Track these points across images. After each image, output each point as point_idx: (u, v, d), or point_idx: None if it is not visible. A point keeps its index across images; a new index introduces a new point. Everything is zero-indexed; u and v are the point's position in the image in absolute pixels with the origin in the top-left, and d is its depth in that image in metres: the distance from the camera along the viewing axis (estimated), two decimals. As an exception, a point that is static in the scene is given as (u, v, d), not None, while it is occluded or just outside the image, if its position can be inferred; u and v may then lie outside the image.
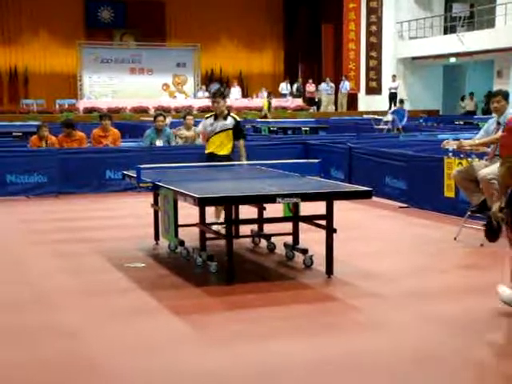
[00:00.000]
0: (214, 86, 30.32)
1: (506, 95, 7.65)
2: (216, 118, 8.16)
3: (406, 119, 20.38)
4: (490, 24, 25.68)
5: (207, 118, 8.34)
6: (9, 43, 29.11)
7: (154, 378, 4.10)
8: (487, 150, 7.76)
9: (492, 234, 5.66)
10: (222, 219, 7.70)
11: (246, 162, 8.18)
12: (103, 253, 7.20)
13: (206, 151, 8.25)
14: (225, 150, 8.17)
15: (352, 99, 29.70)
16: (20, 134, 15.73)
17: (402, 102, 22.60)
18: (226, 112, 8.19)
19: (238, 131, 8.21)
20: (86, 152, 11.86)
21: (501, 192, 5.21)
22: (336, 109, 28.89)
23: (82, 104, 26.42)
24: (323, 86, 29.22)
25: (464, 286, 6.01)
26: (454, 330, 4.90)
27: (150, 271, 6.54)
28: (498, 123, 7.55)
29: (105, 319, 5.17)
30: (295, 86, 30.30)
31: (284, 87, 29.99)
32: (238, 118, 8.42)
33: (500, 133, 7.41)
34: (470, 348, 4.55)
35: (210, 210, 6.79)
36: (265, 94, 28.10)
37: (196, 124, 12.97)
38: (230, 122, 8.17)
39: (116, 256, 7.05)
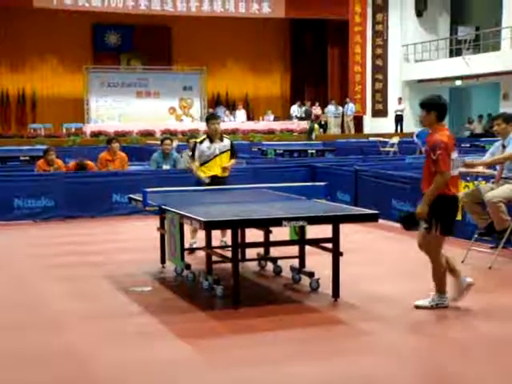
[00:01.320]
0: (220, 110, 30.52)
1: (506, 118, 7.64)
2: (211, 140, 8.23)
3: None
4: (496, 47, 25.76)
5: (201, 142, 8.31)
6: (16, 68, 29.32)
7: (160, 403, 4.08)
8: (494, 173, 7.75)
9: (409, 221, 5.78)
10: (225, 239, 7.73)
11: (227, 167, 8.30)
12: (109, 276, 7.20)
13: (206, 175, 8.26)
14: (226, 172, 8.28)
15: (358, 122, 29.76)
16: (27, 158, 15.78)
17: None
18: (220, 134, 8.34)
19: (232, 152, 8.41)
20: (92, 176, 11.88)
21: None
22: (342, 131, 28.94)
23: (89, 128, 26.53)
24: (330, 108, 29.32)
25: (472, 308, 5.97)
26: (465, 354, 4.86)
27: (156, 295, 6.52)
28: (503, 146, 7.55)
29: (110, 342, 5.15)
30: (303, 108, 30.41)
31: (296, 110, 30.11)
32: (230, 139, 8.59)
33: (507, 153, 7.41)
34: (483, 373, 4.51)
35: (215, 233, 6.80)
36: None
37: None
38: (226, 142, 8.35)
39: (122, 280, 7.04)
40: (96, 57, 30.45)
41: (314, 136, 24.85)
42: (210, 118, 8.45)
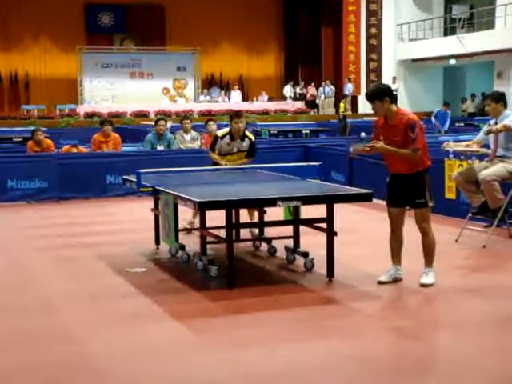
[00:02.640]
0: (215, 90, 30.41)
1: (496, 98, 7.59)
2: (232, 137, 8.07)
3: (447, 123, 19.10)
4: (490, 25, 25.68)
5: (222, 137, 8.10)
6: (9, 49, 29.13)
7: (150, 382, 4.09)
8: (488, 151, 7.75)
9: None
10: (255, 219, 7.71)
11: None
12: (104, 258, 7.20)
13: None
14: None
15: (352, 101, 29.71)
16: (20, 139, 15.73)
17: (446, 104, 20.96)
18: (243, 132, 8.10)
19: (250, 152, 8.18)
20: (86, 157, 11.86)
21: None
22: (337, 111, 28.88)
23: (83, 109, 26.43)
24: (321, 88, 29.23)
25: (467, 287, 6.00)
26: (461, 332, 4.88)
27: (151, 276, 6.53)
28: (496, 124, 7.53)
29: (105, 324, 5.16)
30: (298, 88, 30.32)
31: (288, 90, 30.01)
32: (253, 138, 8.28)
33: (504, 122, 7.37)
34: (471, 350, 4.54)
35: (210, 214, 6.80)
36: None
37: (194, 128, 12.99)
38: (246, 143, 8.12)
39: (117, 261, 7.04)
40: (89, 37, 30.29)
41: (341, 115, 23.46)
42: (234, 117, 8.10)
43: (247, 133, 8.20)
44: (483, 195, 7.49)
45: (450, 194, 9.14)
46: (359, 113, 28.62)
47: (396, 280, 6.06)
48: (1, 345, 4.76)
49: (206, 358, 4.46)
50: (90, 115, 25.32)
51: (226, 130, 8.19)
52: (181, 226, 6.99)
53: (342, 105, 25.28)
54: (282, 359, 4.42)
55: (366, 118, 23.59)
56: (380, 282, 6.02)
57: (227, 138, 8.08)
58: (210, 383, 4.06)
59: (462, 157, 8.42)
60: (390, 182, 6.08)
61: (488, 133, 7.54)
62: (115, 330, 5.04)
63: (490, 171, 7.37)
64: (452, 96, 29.72)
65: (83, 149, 12.43)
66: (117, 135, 12.42)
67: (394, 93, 27.64)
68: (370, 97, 5.92)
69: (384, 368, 4.31)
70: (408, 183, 5.91)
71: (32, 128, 14.65)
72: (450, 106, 20.82)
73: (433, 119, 19.50)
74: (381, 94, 5.83)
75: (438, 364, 4.35)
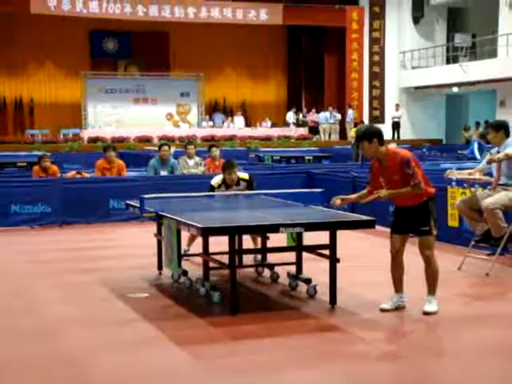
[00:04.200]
0: (219, 116, 30.54)
1: (497, 127, 7.62)
2: (227, 186, 7.94)
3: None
4: (492, 54, 25.84)
5: (218, 187, 7.94)
6: (15, 74, 29.30)
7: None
8: (490, 179, 7.76)
9: None
10: (258, 245, 7.67)
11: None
12: (106, 283, 7.19)
13: None
14: None
15: (354, 127, 29.80)
16: (24, 164, 15.78)
17: (483, 136, 19.06)
18: (236, 179, 7.97)
19: (250, 188, 8.06)
20: (89, 182, 11.88)
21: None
22: (342, 138, 28.92)
23: (87, 134, 26.54)
24: (321, 114, 29.32)
25: (470, 316, 5.98)
26: (462, 361, 4.86)
27: (154, 301, 6.52)
28: (499, 153, 7.56)
29: (105, 350, 5.15)
30: (300, 115, 30.45)
31: (291, 116, 30.15)
32: (248, 177, 8.11)
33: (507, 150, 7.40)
34: (471, 378, 4.52)
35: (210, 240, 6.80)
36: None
37: (198, 153, 13.02)
38: (242, 186, 8.00)
39: (119, 286, 7.03)
40: (94, 63, 30.47)
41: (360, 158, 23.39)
42: (226, 168, 7.93)
43: (241, 175, 8.04)
44: (486, 223, 7.49)
45: (453, 222, 9.14)
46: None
47: (399, 308, 6.05)
48: (0, 369, 4.74)
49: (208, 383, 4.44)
50: (93, 140, 25.42)
51: (220, 178, 8.00)
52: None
53: (353, 130, 25.11)
54: (285, 386, 4.40)
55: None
56: (383, 310, 6.01)
57: (223, 188, 7.95)
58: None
59: (465, 184, 8.44)
60: (396, 212, 6.12)
61: (489, 162, 7.57)
62: (116, 355, 5.03)
63: (493, 199, 7.38)
64: (455, 124, 29.82)
65: (87, 174, 12.47)
66: (121, 161, 12.40)
67: (396, 120, 27.89)
68: (359, 137, 6.03)
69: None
70: (413, 212, 5.96)
71: (37, 153, 14.71)
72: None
73: (476, 151, 18.44)
74: (370, 135, 5.90)
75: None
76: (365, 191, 6.22)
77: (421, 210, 5.92)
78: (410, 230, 6.04)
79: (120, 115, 28.78)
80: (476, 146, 19.16)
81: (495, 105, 27.10)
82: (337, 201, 6.15)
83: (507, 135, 7.61)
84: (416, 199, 5.91)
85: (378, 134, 5.94)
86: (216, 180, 8.06)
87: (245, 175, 8.14)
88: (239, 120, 29.66)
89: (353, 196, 6.40)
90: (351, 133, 25.11)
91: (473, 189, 8.11)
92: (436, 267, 5.99)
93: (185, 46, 30.64)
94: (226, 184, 7.96)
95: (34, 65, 29.62)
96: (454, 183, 8.89)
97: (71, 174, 12.46)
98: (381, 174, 6.00)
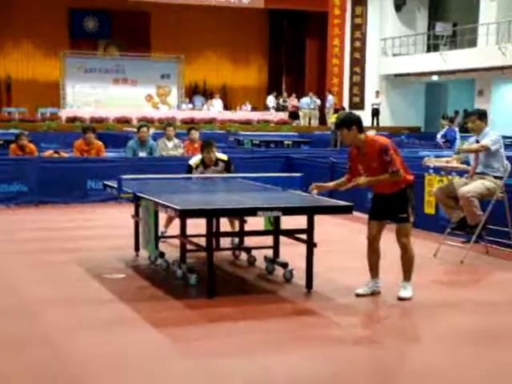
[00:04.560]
0: (199, 99, 30.41)
1: (480, 115, 7.69)
2: (205, 166, 7.94)
3: (458, 140, 18.47)
4: (472, 43, 25.96)
5: (196, 167, 7.94)
6: (-9, 51, 28.98)
7: (132, 391, 4.08)
8: (467, 168, 7.82)
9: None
10: (236, 228, 7.67)
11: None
12: (82, 263, 7.16)
13: None
14: None
15: (334, 113, 29.84)
16: (1, 142, 15.62)
17: (451, 120, 19.94)
18: (214, 159, 7.97)
19: (228, 170, 8.06)
20: (67, 162, 11.80)
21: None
22: (321, 123, 28.93)
23: (65, 113, 26.32)
24: (303, 100, 29.32)
25: (444, 302, 6.04)
26: (437, 346, 4.92)
27: (130, 282, 6.51)
28: (477, 142, 7.62)
29: (81, 330, 5.13)
30: (281, 99, 30.41)
31: (272, 100, 30.10)
32: (226, 158, 8.10)
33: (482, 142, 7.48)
34: (444, 363, 4.57)
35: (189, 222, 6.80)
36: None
37: (177, 136, 12.97)
38: (221, 166, 8.00)
39: (95, 266, 7.01)
40: (73, 42, 30.14)
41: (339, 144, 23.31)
42: (205, 147, 7.94)
43: (219, 156, 8.04)
44: (462, 211, 7.56)
45: (430, 209, 9.21)
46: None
47: (374, 293, 6.09)
48: (-24, 348, 4.72)
49: (185, 366, 4.45)
50: (72, 119, 25.22)
51: (198, 158, 8.01)
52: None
53: (334, 116, 24.94)
54: (260, 369, 4.42)
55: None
56: (358, 295, 6.05)
57: (201, 168, 7.94)
58: (186, 391, 4.06)
59: (443, 172, 8.50)
60: (374, 199, 6.15)
61: (458, 153, 7.65)
62: (92, 335, 5.02)
63: (470, 187, 7.44)
64: (434, 112, 29.97)
65: (65, 154, 12.37)
66: (100, 143, 12.28)
67: (376, 106, 27.97)
68: (338, 124, 6.03)
69: (358, 380, 4.33)
70: (392, 199, 6.00)
71: (14, 131, 14.56)
72: (454, 122, 19.87)
73: (440, 141, 18.68)
74: (349, 123, 5.91)
75: (411, 376, 4.37)
76: (343, 179, 6.24)
77: (399, 198, 5.96)
78: (388, 216, 6.08)
79: (99, 95, 28.54)
80: (445, 132, 19.34)
81: (474, 94, 27.27)
82: (314, 189, 6.15)
83: (486, 124, 7.67)
84: (394, 186, 5.95)
85: (357, 122, 5.95)
86: (194, 160, 8.05)
87: (223, 156, 8.14)
88: (218, 103, 29.56)
89: (331, 184, 6.42)
90: (331, 119, 25.11)
91: (450, 177, 8.18)
92: (412, 254, 6.04)
93: (166, 27, 30.41)
94: (204, 164, 7.94)
95: (12, 43, 29.24)
96: (431, 171, 8.95)
97: (49, 153, 12.36)
98: (359, 161, 6.03)
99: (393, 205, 5.98)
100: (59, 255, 7.57)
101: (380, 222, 6.09)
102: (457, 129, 18.71)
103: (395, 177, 5.86)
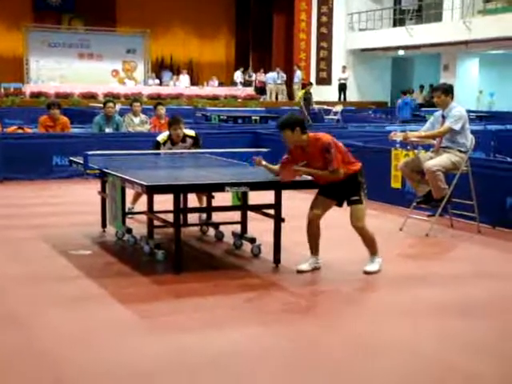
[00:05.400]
0: (167, 74, 30.15)
1: (446, 90, 7.73)
2: (173, 142, 7.88)
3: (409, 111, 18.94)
4: (438, 18, 26.08)
5: (164, 143, 7.87)
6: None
7: (95, 366, 4.07)
8: (433, 142, 7.89)
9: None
10: (204, 204, 7.64)
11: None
12: (48, 240, 7.11)
13: None
14: None
15: (302, 89, 29.85)
16: (-37, 117, 15.37)
17: (405, 93, 21.63)
18: (182, 136, 7.92)
19: (196, 145, 8.02)
20: (32, 137, 11.65)
21: None
22: (290, 99, 28.92)
23: (29, 88, 25.93)
24: (269, 75, 29.25)
25: (410, 275, 6.12)
26: (402, 319, 4.98)
27: (97, 259, 6.48)
28: (443, 116, 7.68)
29: (48, 306, 5.11)
30: (247, 75, 30.31)
31: (239, 76, 29.97)
32: (194, 134, 8.06)
33: (444, 127, 7.55)
34: (410, 336, 4.64)
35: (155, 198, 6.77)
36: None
37: (144, 111, 12.87)
38: (188, 143, 7.94)
39: (62, 243, 6.96)
40: (36, 15, 29.65)
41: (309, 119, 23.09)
42: (172, 123, 7.87)
43: (187, 132, 8.00)
44: (428, 185, 7.64)
45: (396, 184, 9.30)
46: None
47: (315, 269, 6.12)
48: None
49: (151, 342, 4.45)
50: (36, 95, 24.87)
51: (166, 134, 7.95)
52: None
53: (300, 93, 24.88)
54: (228, 344, 4.44)
55: (314, 106, 23.72)
56: (299, 271, 6.06)
57: (168, 144, 7.89)
58: (150, 367, 4.06)
59: (408, 147, 8.56)
60: (323, 187, 6.09)
61: (405, 139, 7.71)
62: (58, 312, 4.99)
63: (435, 161, 7.51)
64: (400, 86, 30.09)
65: (29, 130, 12.21)
66: (65, 118, 12.13)
67: (343, 81, 28.01)
68: (280, 126, 5.93)
69: (324, 353, 4.37)
70: (342, 186, 5.96)
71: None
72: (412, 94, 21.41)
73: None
74: (292, 124, 5.84)
75: (378, 350, 4.43)
76: (277, 167, 6.16)
77: (350, 182, 5.94)
78: (339, 198, 6.06)
79: (64, 70, 28.17)
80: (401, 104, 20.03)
81: (440, 68, 27.44)
82: (259, 163, 6.13)
83: (452, 99, 7.73)
84: (338, 179, 5.92)
85: (301, 123, 5.91)
86: (162, 136, 7.99)
87: (191, 132, 8.09)
88: (185, 78, 29.37)
89: (275, 167, 6.29)
90: (299, 95, 25.05)
91: (416, 151, 8.24)
92: (370, 235, 6.04)
93: (132, 1, 30.04)
94: (171, 140, 7.89)
95: (-27, 16, 28.67)
96: (397, 145, 9.01)
97: (12, 128, 12.19)
98: (303, 157, 5.98)
99: (344, 189, 5.97)
100: (25, 232, 7.50)
101: (328, 200, 6.06)
102: (409, 99, 19.88)
103: (334, 175, 5.83)
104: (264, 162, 6.17)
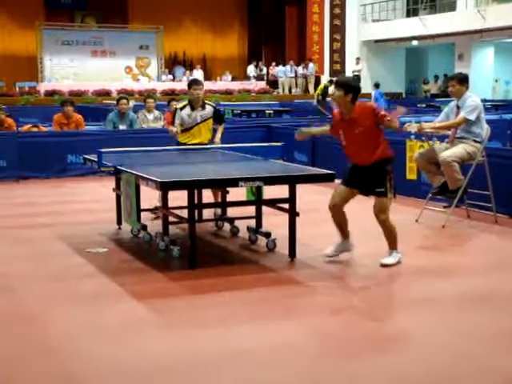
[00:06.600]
0: (179, 69, 30.17)
1: (461, 79, 7.67)
2: (192, 107, 7.85)
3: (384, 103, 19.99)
4: (451, 7, 25.88)
5: (182, 108, 7.87)
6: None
7: (112, 363, 4.07)
8: (448, 132, 7.83)
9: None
10: (219, 199, 7.65)
11: (217, 144, 8.03)
12: (64, 238, 7.13)
13: (190, 142, 7.92)
14: (207, 140, 8.04)
15: (315, 82, 29.75)
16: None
17: (377, 85, 22.62)
18: (202, 100, 7.91)
19: (218, 117, 8.03)
20: (46, 136, 11.69)
21: None
22: (305, 91, 28.81)
23: (43, 87, 26.03)
24: (280, 68, 29.16)
25: (426, 267, 6.08)
26: (422, 312, 4.95)
27: (112, 256, 6.49)
28: (458, 106, 7.61)
29: (65, 304, 5.12)
30: (259, 69, 30.27)
31: (252, 70, 29.94)
32: (214, 104, 8.19)
33: (459, 118, 7.48)
34: (428, 328, 4.61)
35: (172, 194, 6.77)
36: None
37: (157, 107, 12.88)
38: (208, 110, 7.92)
39: (78, 241, 6.98)
40: (49, 14, 29.75)
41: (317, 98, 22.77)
42: (192, 84, 7.88)
43: (207, 101, 8.05)
44: (443, 176, 7.58)
45: (411, 175, 9.23)
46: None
47: (344, 251, 6.17)
48: (-41, 326, 4.70)
49: (168, 338, 4.45)
50: (50, 93, 24.97)
51: (185, 101, 8.02)
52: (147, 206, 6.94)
53: (321, 86, 24.53)
54: (243, 339, 4.43)
55: (329, 99, 23.57)
56: (327, 256, 6.12)
57: (187, 109, 7.85)
58: (167, 362, 4.06)
59: (423, 138, 8.50)
60: (352, 168, 6.11)
61: (419, 130, 7.64)
62: (75, 310, 5.00)
63: (450, 152, 7.46)
64: (414, 77, 29.96)
65: (44, 128, 12.25)
66: (79, 116, 12.17)
67: (356, 73, 27.88)
68: (337, 82, 6.00)
69: (344, 347, 4.35)
70: (370, 171, 5.95)
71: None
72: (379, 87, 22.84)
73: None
74: (348, 87, 5.85)
75: (396, 343, 4.40)
76: (326, 128, 6.27)
77: (377, 170, 5.90)
78: (363, 188, 6.04)
79: (77, 68, 28.26)
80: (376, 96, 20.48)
81: (454, 58, 27.25)
82: (299, 136, 6.31)
83: (467, 88, 7.67)
84: (374, 157, 5.89)
85: (356, 91, 5.90)
86: (181, 103, 8.06)
87: (211, 103, 8.15)
88: (198, 73, 29.36)
89: (317, 129, 6.48)
90: (318, 88, 24.79)
91: (431, 142, 8.18)
92: (391, 228, 6.01)
93: (144, -4, 30.08)
94: (191, 105, 7.87)
95: (-13, 15, 28.82)
96: (412, 136, 8.95)
97: (27, 127, 12.24)
98: (342, 127, 6.00)
99: (370, 177, 5.93)
100: (41, 230, 7.52)
101: (350, 190, 6.04)
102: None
103: (393, 124, 5.84)
104: (304, 131, 6.33)
